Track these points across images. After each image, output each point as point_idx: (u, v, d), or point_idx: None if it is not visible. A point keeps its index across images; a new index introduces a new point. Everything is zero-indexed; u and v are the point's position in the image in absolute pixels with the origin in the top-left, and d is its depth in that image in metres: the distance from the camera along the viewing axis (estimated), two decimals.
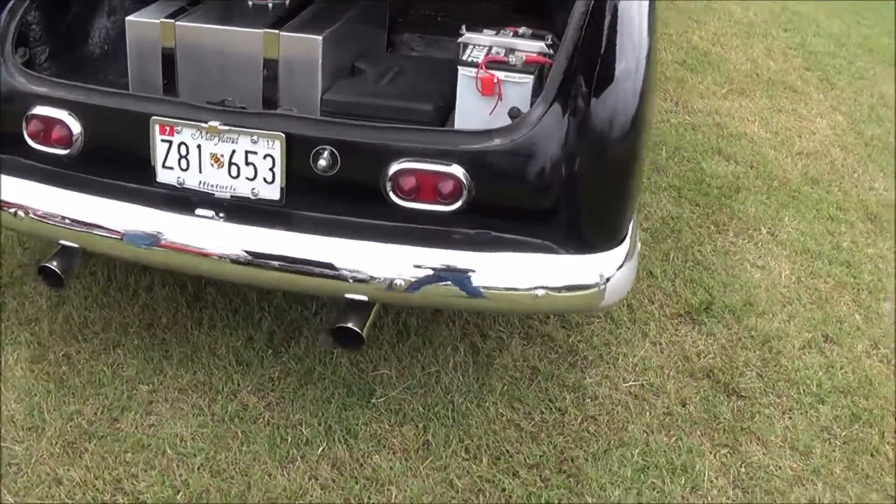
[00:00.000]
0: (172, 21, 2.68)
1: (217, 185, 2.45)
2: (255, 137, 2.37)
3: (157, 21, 2.70)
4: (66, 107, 2.53)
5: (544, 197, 2.34)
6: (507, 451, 2.54)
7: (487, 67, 2.47)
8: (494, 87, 2.48)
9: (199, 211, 2.43)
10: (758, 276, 3.35)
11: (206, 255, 2.39)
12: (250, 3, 2.88)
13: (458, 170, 2.30)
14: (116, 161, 2.57)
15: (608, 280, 2.33)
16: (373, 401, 2.66)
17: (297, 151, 2.36)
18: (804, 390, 2.87)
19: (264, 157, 2.39)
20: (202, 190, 2.47)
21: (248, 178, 2.43)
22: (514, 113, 2.41)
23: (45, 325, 2.88)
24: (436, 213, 2.36)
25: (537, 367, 2.84)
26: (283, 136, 2.35)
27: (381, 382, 2.73)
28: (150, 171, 2.49)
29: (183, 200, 2.49)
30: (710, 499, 2.47)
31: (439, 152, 2.33)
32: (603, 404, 2.74)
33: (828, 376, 2.93)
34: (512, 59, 2.48)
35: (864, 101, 5.13)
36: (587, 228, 2.35)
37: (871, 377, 2.94)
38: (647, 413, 2.72)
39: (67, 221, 2.50)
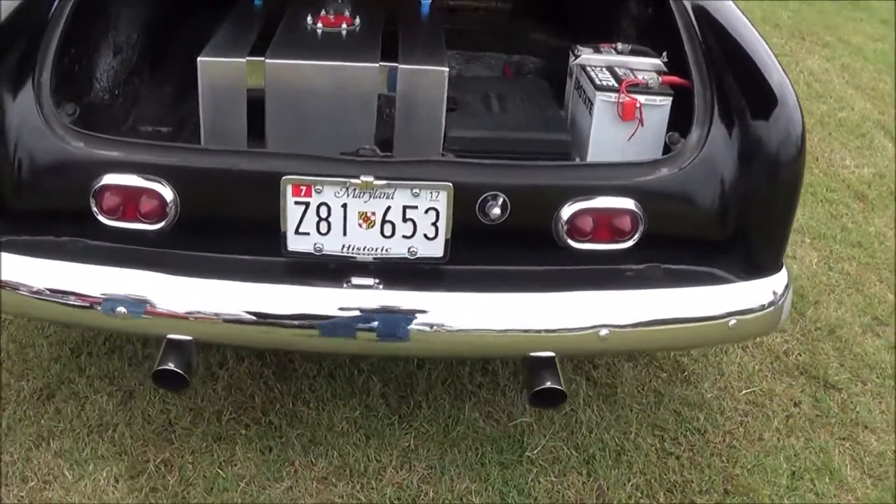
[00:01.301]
0: (262, 59, 2.35)
1: (365, 248, 2.18)
2: (416, 190, 2.13)
3: (242, 60, 2.35)
4: (156, 172, 2.16)
5: (714, 224, 2.27)
6: (677, 483, 2.47)
7: (628, 91, 2.37)
8: (636, 111, 2.39)
9: (355, 280, 2.15)
10: (795, 267, 3.48)
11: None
12: (319, 31, 2.59)
13: (632, 205, 2.20)
14: (226, 232, 2.22)
15: (783, 298, 2.33)
16: (527, 454, 2.49)
17: (464, 201, 2.15)
18: (881, 373, 3.02)
19: (426, 210, 2.15)
20: (344, 255, 2.19)
21: (404, 237, 2.18)
22: (674, 139, 2.33)
23: (124, 429, 2.45)
24: (610, 252, 2.24)
25: (658, 389, 2.79)
26: (451, 185, 2.14)
27: (525, 433, 2.57)
28: (275, 240, 2.18)
29: (321, 269, 2.20)
30: (858, 494, 2.55)
31: (614, 188, 2.21)
32: (732, 417, 2.73)
33: (892, 356, 3.11)
34: (650, 81, 2.40)
35: (797, 79, 5.38)
36: (758, 252, 2.31)
37: None
38: (772, 419, 2.74)
39: (188, 312, 2.14)
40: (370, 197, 2.13)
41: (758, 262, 2.31)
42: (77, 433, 2.43)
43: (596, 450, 2.53)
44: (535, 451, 2.50)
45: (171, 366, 2.12)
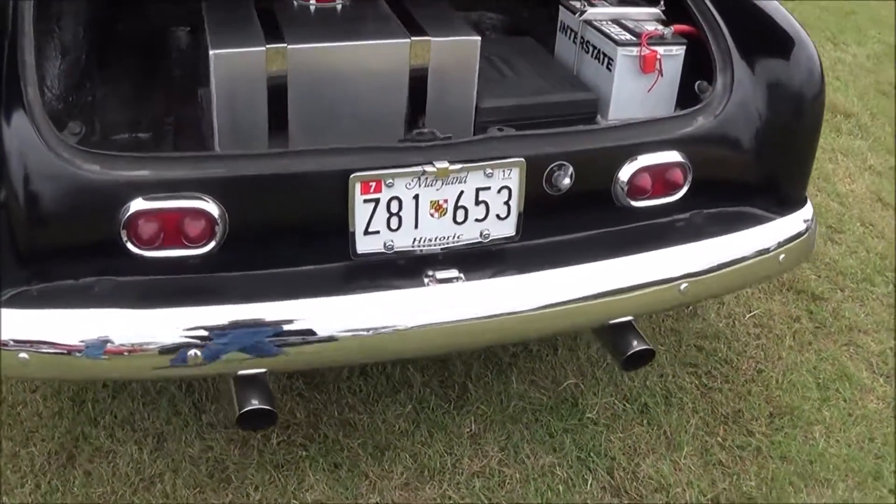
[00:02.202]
0: (284, 45, 2.10)
1: (436, 238, 2.06)
2: (489, 170, 2.02)
3: (262, 48, 2.09)
4: (198, 188, 1.91)
5: (748, 165, 2.32)
6: (728, 415, 2.56)
7: (648, 43, 2.35)
8: (656, 63, 2.38)
9: (440, 274, 2.01)
10: None
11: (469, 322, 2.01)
12: (313, 7, 2.36)
13: (680, 157, 2.21)
14: (283, 242, 2.01)
15: (814, 226, 2.44)
16: (587, 415, 2.48)
17: (533, 175, 2.07)
18: (853, 278, 3.24)
19: (499, 190, 2.05)
20: (415, 249, 2.05)
21: (476, 220, 2.07)
22: (702, 88, 2.34)
23: (173, 478, 2.19)
24: (664, 206, 2.25)
25: (673, 327, 2.86)
26: (523, 161, 2.04)
27: (576, 395, 2.55)
28: (341, 243, 2.01)
29: (395, 268, 2.05)
30: (879, 393, 2.73)
31: (665, 143, 2.20)
32: (748, 342, 2.85)
33: (855, 260, 3.37)
34: (665, 31, 2.39)
35: None
36: (787, 187, 2.40)
37: None
38: (782, 338, 2.88)
39: (273, 340, 1.91)
40: (442, 184, 2.01)
41: (787, 197, 2.40)
42: (121, 495, 2.15)
43: (646, 398, 2.57)
44: (594, 412, 2.51)
45: (256, 404, 1.91)
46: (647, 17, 2.51)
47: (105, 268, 1.95)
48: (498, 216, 2.09)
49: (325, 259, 2.05)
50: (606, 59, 2.40)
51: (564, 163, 2.10)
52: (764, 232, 2.31)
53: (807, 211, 2.41)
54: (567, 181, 2.09)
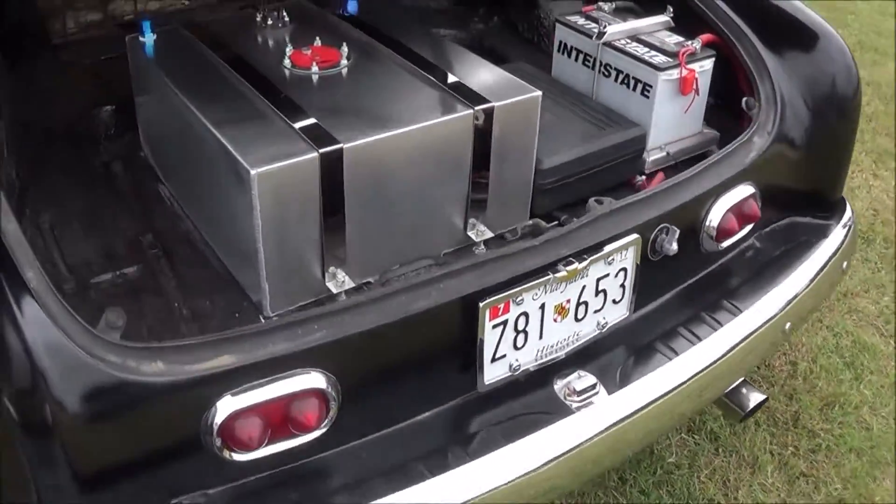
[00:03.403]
0: (339, 145, 1.67)
1: (559, 343, 1.78)
2: (610, 257, 1.75)
3: (314, 154, 1.64)
4: (298, 363, 1.50)
5: (799, 173, 2.21)
6: (797, 413, 2.53)
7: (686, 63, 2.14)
8: (694, 82, 2.17)
9: (575, 384, 1.73)
10: None
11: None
12: (315, 76, 1.92)
13: (752, 187, 2.06)
14: (399, 392, 1.65)
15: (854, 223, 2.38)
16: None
17: (643, 246, 1.84)
18: None
19: (616, 274, 1.80)
20: (539, 361, 1.76)
21: (595, 311, 1.81)
22: (750, 105, 2.17)
23: None
24: (741, 239, 2.10)
25: None
26: (639, 237, 1.79)
27: None
28: (466, 379, 1.69)
29: (523, 389, 1.76)
30: None
31: (739, 175, 2.03)
32: None
33: None
34: (695, 44, 2.17)
35: None
36: (829, 190, 2.31)
37: None
38: None
39: None
40: (566, 284, 1.72)
41: (830, 199, 2.34)
42: None
43: (710, 423, 2.48)
44: (673, 456, 2.37)
45: None
46: (657, 27, 2.30)
47: (191, 483, 1.53)
48: (614, 300, 1.85)
49: (448, 397, 1.72)
50: (641, 85, 2.17)
51: (669, 225, 1.89)
52: (830, 244, 2.24)
53: (849, 211, 2.36)
54: (674, 245, 1.88)
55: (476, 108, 1.81)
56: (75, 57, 2.57)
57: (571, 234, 1.75)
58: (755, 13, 2.27)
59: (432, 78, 1.92)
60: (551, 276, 1.67)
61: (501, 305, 1.64)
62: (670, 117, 2.21)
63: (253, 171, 1.60)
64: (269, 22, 2.16)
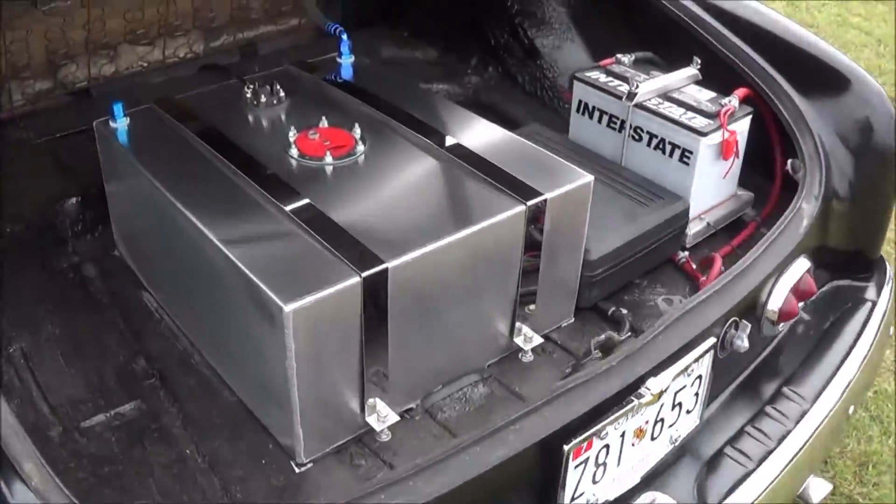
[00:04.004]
0: (383, 265, 1.41)
1: (632, 469, 1.56)
2: (690, 368, 1.54)
3: (357, 279, 1.38)
4: None
5: (845, 234, 2.05)
6: (834, 478, 2.35)
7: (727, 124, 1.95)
8: (734, 145, 1.98)
9: None
10: None
11: None
12: (329, 168, 1.65)
13: (807, 261, 1.88)
14: None
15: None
16: None
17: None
18: None
19: (693, 382, 1.59)
20: (616, 490, 1.54)
21: (668, 426, 1.60)
22: (796, 167, 1.99)
23: None
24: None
25: None
26: (715, 339, 1.59)
27: None
28: None
29: None
30: None
31: (796, 251, 1.85)
32: None
33: None
34: (732, 102, 1.98)
35: None
36: (873, 245, 2.16)
37: None
38: None
39: None
40: (646, 406, 1.51)
41: (870, 258, 2.18)
42: None
43: None
44: None
45: None
46: (684, 81, 2.11)
47: None
48: (687, 411, 1.65)
49: None
50: (680, 151, 1.97)
51: (739, 319, 1.70)
52: (878, 312, 2.08)
53: (889, 270, 2.21)
54: (745, 342, 1.69)
55: (528, 202, 1.58)
56: (24, 134, 2.23)
57: (648, 345, 1.54)
58: (784, 58, 2.09)
59: (469, 166, 1.67)
60: (636, 402, 1.46)
61: (585, 444, 1.42)
62: (710, 184, 2.03)
63: (287, 309, 1.33)
64: (263, 98, 1.87)
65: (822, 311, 2.07)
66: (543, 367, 1.72)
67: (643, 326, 1.82)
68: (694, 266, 1.97)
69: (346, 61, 2.05)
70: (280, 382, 1.42)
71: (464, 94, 2.48)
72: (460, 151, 1.72)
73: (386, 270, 1.42)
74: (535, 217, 1.60)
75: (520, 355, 1.73)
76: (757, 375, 1.90)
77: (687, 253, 2.00)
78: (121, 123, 1.82)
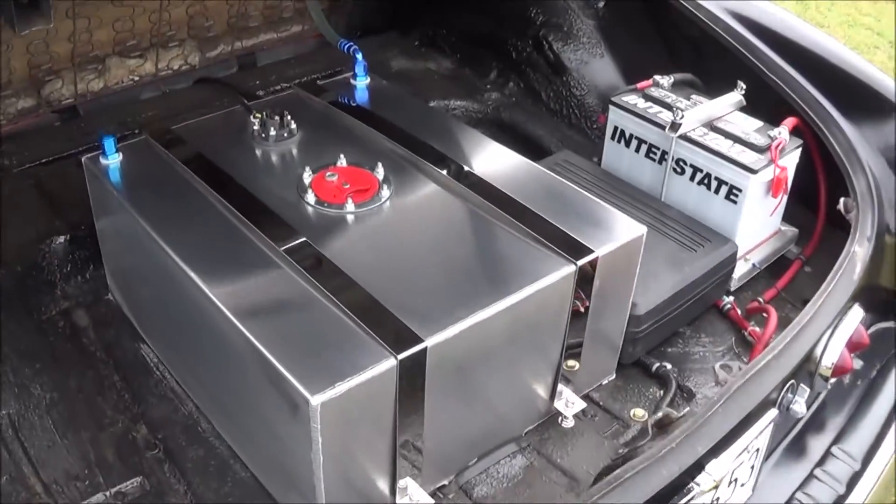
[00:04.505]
0: (422, 344, 1.24)
1: None
2: (752, 445, 1.40)
3: (392, 363, 1.20)
4: None
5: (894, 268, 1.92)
6: None
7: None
8: (784, 182, 1.83)
9: None
10: None
11: None
12: (350, 216, 1.47)
13: (861, 310, 1.73)
14: None
15: None
16: None
17: None
18: None
19: (751, 456, 1.44)
20: None
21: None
22: (849, 207, 1.83)
23: None
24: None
25: None
26: (777, 411, 1.44)
27: None
28: None
29: None
30: None
31: (849, 301, 1.70)
32: None
33: None
34: (782, 134, 1.82)
35: None
36: None
37: None
38: None
39: None
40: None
41: None
42: None
43: None
44: None
45: None
46: (728, 108, 1.94)
47: None
48: (741, 485, 1.51)
49: None
50: (727, 188, 1.81)
51: (797, 383, 1.55)
52: None
53: None
54: (803, 407, 1.55)
55: (578, 261, 1.42)
56: (4, 161, 2.02)
57: (708, 422, 1.38)
58: (829, 81, 1.93)
59: (509, 216, 1.50)
60: (696, 488, 1.31)
61: None
62: (757, 222, 1.88)
63: (315, 402, 1.16)
64: (272, 131, 1.68)
65: (867, 358, 1.94)
66: (586, 434, 1.57)
67: (690, 385, 1.69)
68: (739, 312, 1.84)
69: (361, 83, 1.87)
70: (303, 471, 1.26)
71: (483, 112, 2.30)
72: (498, 197, 1.54)
73: (425, 350, 1.26)
74: (585, 276, 1.44)
75: (560, 419, 1.58)
76: (804, 434, 1.76)
77: (732, 298, 1.85)
78: (112, 160, 1.63)
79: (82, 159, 1.66)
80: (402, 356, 1.23)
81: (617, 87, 2.14)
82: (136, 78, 2.19)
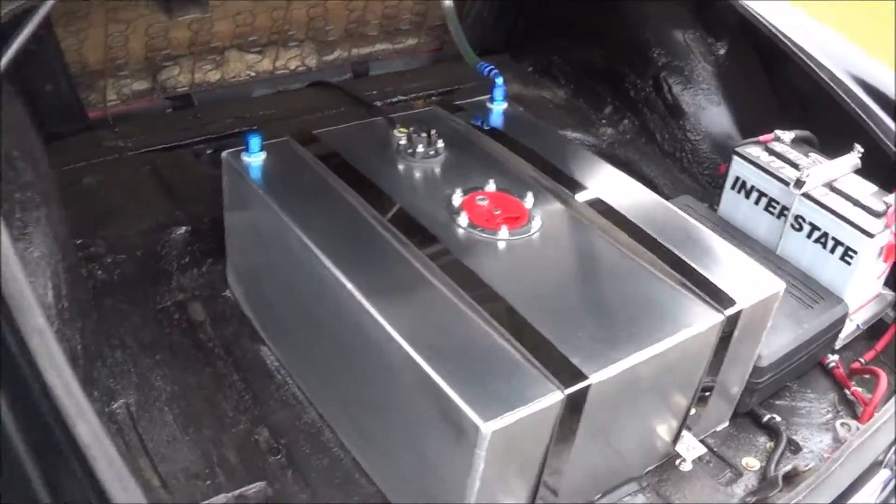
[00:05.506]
0: (586, 382, 1.25)
1: None
2: None
3: (559, 396, 1.21)
4: None
5: None
6: None
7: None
8: (893, 247, 1.85)
9: None
10: None
11: None
12: (500, 241, 1.48)
13: None
14: None
15: None
16: None
17: None
18: None
19: None
20: None
21: None
22: None
23: None
24: None
25: None
26: (889, 472, 1.44)
27: None
28: None
29: None
30: None
31: None
32: None
33: None
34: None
35: None
36: None
37: None
38: None
39: None
40: None
41: None
42: None
43: None
44: None
45: None
46: (846, 170, 1.96)
47: None
48: None
49: None
50: (843, 248, 1.83)
51: None
52: None
53: None
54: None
55: (726, 312, 1.43)
56: (120, 143, 2.03)
57: (831, 476, 1.41)
58: None
59: (657, 258, 1.51)
60: None
61: None
62: (865, 284, 1.90)
63: (485, 429, 1.17)
64: (420, 148, 1.69)
65: None
66: (702, 479, 1.58)
67: (797, 438, 1.72)
68: (843, 371, 1.87)
69: (499, 107, 1.89)
70: (449, 495, 1.27)
71: (598, 146, 2.31)
72: (643, 237, 1.56)
73: (588, 387, 1.27)
74: (728, 327, 1.46)
75: (677, 462, 1.59)
76: None
77: (837, 357, 1.87)
78: (255, 157, 1.64)
79: (222, 154, 1.66)
80: (568, 391, 1.25)
81: (730, 135, 2.18)
82: (253, 73, 2.20)
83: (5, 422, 1.00)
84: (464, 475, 1.23)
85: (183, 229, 1.83)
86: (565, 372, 1.27)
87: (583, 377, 1.27)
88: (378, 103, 2.17)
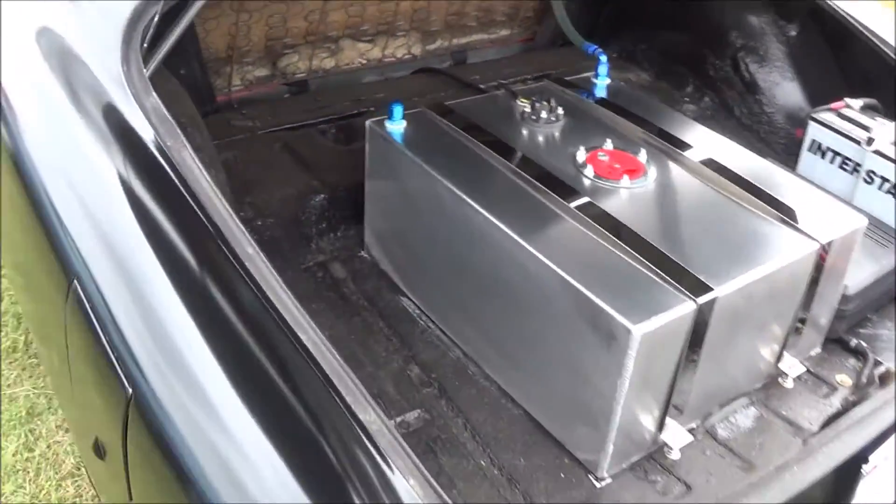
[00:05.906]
0: (712, 294, 1.48)
1: None
2: None
3: (692, 306, 1.45)
4: None
5: None
6: None
7: None
8: None
9: None
10: None
11: None
12: (625, 190, 1.72)
13: None
14: None
15: None
16: None
17: None
18: None
19: None
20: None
21: None
22: None
23: None
24: None
25: None
26: None
27: None
28: None
29: None
30: None
31: None
32: None
33: None
34: None
35: None
36: None
37: None
38: None
39: None
40: None
41: None
42: None
43: None
44: None
45: None
46: None
47: None
48: None
49: None
50: None
51: None
52: None
53: None
54: None
55: (821, 241, 1.66)
56: (249, 123, 2.27)
57: None
58: None
59: (759, 200, 1.73)
60: None
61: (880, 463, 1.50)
62: None
63: (635, 331, 1.39)
64: (543, 115, 1.92)
65: None
66: (803, 394, 1.80)
67: (881, 359, 1.92)
68: None
69: (602, 82, 2.12)
70: (601, 401, 1.49)
71: None
72: (745, 184, 1.79)
73: (715, 299, 1.49)
74: (822, 256, 1.68)
75: (780, 380, 1.81)
76: None
77: None
78: (397, 125, 1.87)
79: (367, 123, 1.89)
80: (700, 301, 1.47)
81: (802, 108, 2.41)
82: (364, 61, 2.44)
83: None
84: (615, 377, 1.45)
85: (321, 196, 2.06)
86: (695, 286, 1.50)
87: (710, 290, 1.49)
88: (482, 86, 2.41)
